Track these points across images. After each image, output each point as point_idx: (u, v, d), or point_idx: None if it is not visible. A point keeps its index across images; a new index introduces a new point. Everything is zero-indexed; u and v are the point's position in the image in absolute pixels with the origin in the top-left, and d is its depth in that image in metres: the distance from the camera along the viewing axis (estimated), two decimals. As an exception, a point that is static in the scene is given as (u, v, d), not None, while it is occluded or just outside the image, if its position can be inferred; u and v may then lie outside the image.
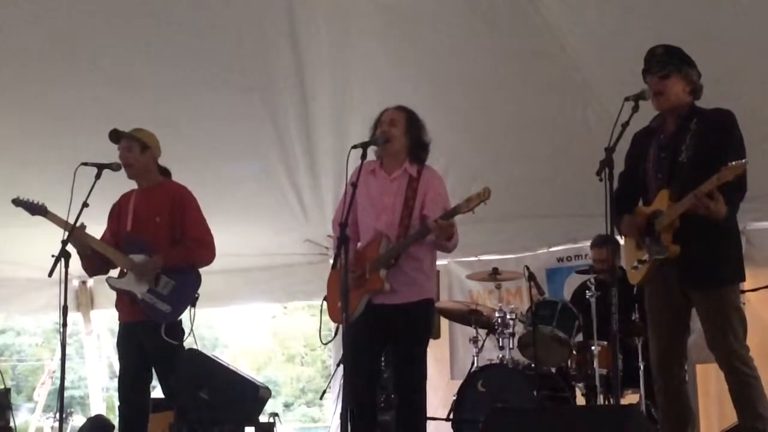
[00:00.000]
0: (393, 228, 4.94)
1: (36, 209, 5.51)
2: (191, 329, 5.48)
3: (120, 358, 5.52)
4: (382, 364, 5.68)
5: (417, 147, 5.07)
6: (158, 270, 5.36)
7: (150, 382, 5.51)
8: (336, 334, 5.24)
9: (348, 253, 4.53)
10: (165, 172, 5.70)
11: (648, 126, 4.65)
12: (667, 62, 4.48)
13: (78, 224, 5.26)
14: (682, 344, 4.59)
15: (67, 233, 5.23)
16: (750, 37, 5.86)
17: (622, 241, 5.03)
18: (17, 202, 5.56)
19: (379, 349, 5.11)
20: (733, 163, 4.11)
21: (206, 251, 5.53)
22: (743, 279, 4.59)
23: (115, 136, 5.55)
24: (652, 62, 4.52)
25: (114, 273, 5.65)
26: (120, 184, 5.64)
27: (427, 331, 5.05)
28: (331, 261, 5.04)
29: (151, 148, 5.59)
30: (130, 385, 5.44)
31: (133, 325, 5.45)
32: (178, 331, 5.43)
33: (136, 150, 5.54)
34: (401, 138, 5.01)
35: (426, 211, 4.91)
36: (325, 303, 5.11)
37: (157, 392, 5.81)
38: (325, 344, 5.34)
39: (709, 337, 4.42)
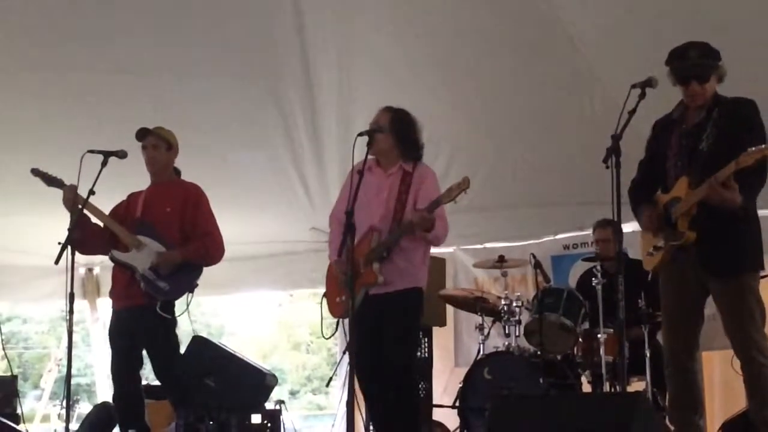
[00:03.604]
0: (387, 222, 5.01)
1: (52, 181, 5.50)
2: (186, 310, 5.49)
3: (112, 347, 5.51)
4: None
5: (405, 145, 5.12)
6: (177, 263, 5.38)
7: (140, 368, 5.53)
8: (337, 328, 5.30)
9: (354, 240, 4.59)
10: (177, 172, 5.75)
11: (669, 114, 4.65)
12: (705, 65, 4.45)
13: (87, 197, 5.22)
14: (695, 332, 4.57)
15: (73, 221, 5.24)
16: (760, 23, 5.83)
17: (627, 228, 5.01)
18: (36, 171, 5.55)
19: (377, 336, 5.13)
20: (753, 148, 4.09)
21: (218, 249, 5.59)
22: (762, 267, 4.56)
23: (142, 133, 5.57)
24: (686, 65, 4.45)
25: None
26: (127, 172, 5.64)
27: (415, 317, 5.09)
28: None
29: (174, 147, 5.65)
30: (121, 372, 5.44)
31: (126, 311, 5.47)
32: (171, 310, 5.45)
33: (162, 148, 5.60)
34: (387, 139, 5.06)
35: (419, 206, 4.96)
36: (324, 299, 5.17)
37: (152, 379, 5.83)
38: (327, 338, 5.39)
39: (727, 325, 4.40)
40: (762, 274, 4.57)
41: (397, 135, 5.09)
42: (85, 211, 5.33)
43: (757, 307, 4.38)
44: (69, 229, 5.22)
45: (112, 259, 5.52)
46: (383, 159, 5.14)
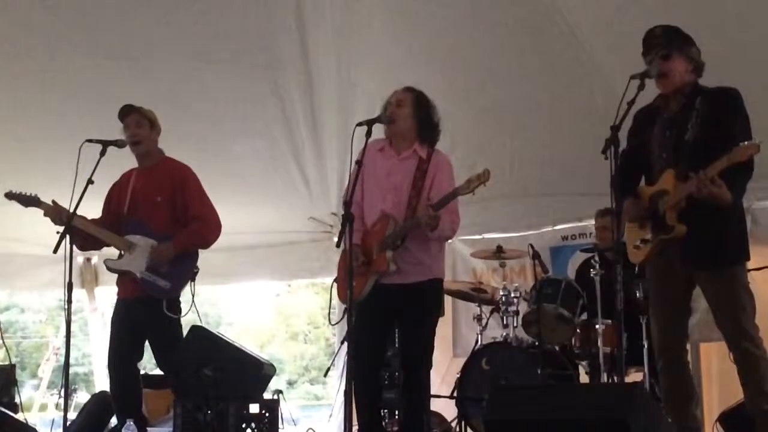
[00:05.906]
0: (401, 208, 4.93)
1: (29, 201, 5.48)
2: (192, 303, 5.50)
3: (112, 335, 5.49)
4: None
5: (425, 128, 5.06)
6: (171, 257, 5.36)
7: (140, 358, 5.52)
8: (344, 314, 5.27)
9: (352, 231, 4.55)
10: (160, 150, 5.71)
11: (651, 104, 4.62)
12: (667, 43, 4.44)
13: (74, 210, 5.19)
14: (683, 325, 4.59)
15: (72, 210, 5.21)
16: (760, 14, 5.82)
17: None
18: (10, 195, 5.51)
19: (384, 328, 5.11)
20: (746, 143, 4.07)
21: (212, 229, 5.52)
22: (748, 258, 4.56)
23: (125, 111, 5.51)
24: (651, 43, 4.48)
25: (112, 254, 5.66)
26: (124, 161, 5.63)
27: (434, 310, 5.07)
28: (335, 239, 5.06)
29: (156, 126, 5.60)
30: (121, 361, 5.43)
31: (132, 301, 5.46)
32: (177, 306, 5.46)
33: (146, 127, 5.54)
34: (408, 119, 5.01)
35: (432, 195, 4.90)
36: (335, 284, 5.13)
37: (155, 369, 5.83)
38: (334, 324, 5.35)
39: (718, 317, 4.39)
40: (748, 267, 4.57)
41: (419, 117, 5.03)
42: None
43: (747, 298, 4.38)
44: (67, 218, 5.20)
45: (109, 269, 5.53)
46: (398, 140, 5.06)
